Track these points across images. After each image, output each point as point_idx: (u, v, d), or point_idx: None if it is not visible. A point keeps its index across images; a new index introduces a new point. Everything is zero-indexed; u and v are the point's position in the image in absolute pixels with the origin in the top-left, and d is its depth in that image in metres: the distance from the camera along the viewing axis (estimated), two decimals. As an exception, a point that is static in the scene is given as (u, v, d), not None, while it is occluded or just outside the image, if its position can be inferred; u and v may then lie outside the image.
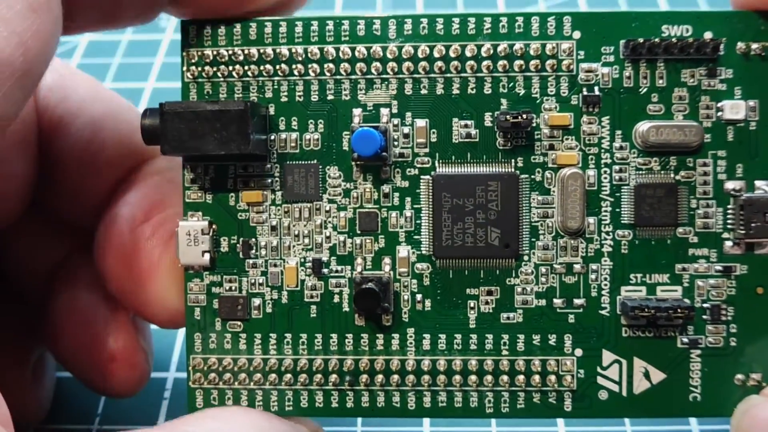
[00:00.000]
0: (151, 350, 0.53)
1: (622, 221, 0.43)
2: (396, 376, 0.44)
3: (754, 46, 0.42)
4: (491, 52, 0.43)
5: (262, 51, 0.44)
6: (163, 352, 0.60)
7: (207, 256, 0.44)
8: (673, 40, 0.42)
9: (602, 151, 0.43)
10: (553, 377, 0.43)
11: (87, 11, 0.41)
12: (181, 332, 0.61)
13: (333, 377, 0.44)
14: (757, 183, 0.43)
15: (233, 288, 0.45)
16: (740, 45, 0.42)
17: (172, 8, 0.44)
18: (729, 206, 0.43)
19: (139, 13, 0.43)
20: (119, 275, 0.47)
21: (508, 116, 0.42)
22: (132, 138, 0.49)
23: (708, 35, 0.42)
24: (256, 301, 0.44)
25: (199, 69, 0.44)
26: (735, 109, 0.43)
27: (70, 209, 0.51)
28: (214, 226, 0.44)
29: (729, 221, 0.43)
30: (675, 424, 0.53)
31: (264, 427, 0.41)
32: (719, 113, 0.43)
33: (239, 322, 0.45)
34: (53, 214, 0.51)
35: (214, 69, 0.44)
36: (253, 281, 0.44)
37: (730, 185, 0.43)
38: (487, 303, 0.44)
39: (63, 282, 0.51)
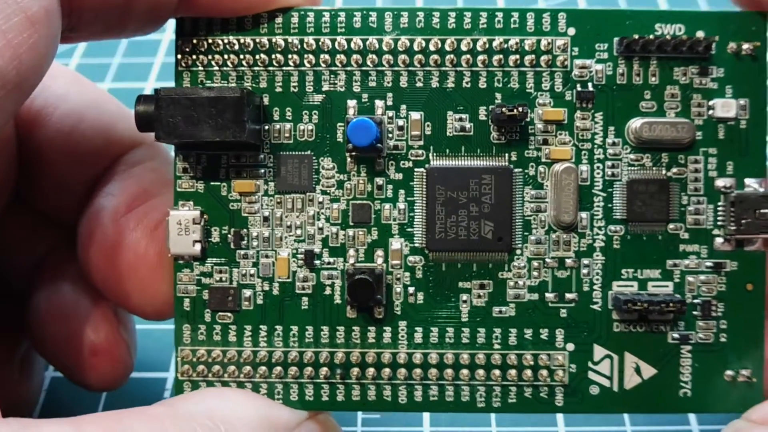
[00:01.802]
0: (134, 344, 0.52)
1: (614, 216, 0.43)
2: (387, 370, 0.44)
3: (745, 46, 0.43)
4: (487, 46, 0.43)
5: (257, 40, 0.44)
6: (163, 352, 0.59)
7: (198, 246, 0.44)
8: (667, 37, 0.42)
9: (595, 146, 0.43)
10: (544, 372, 0.43)
11: (91, 23, 0.41)
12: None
13: (324, 370, 0.44)
14: (747, 181, 0.43)
15: (224, 279, 0.44)
16: (731, 45, 0.43)
17: (179, 14, 0.44)
18: (719, 203, 0.43)
19: (145, 24, 0.43)
20: (103, 268, 0.46)
21: (504, 109, 0.42)
22: (113, 128, 0.49)
23: (700, 34, 0.43)
24: (247, 293, 0.44)
25: (193, 57, 0.44)
26: (726, 107, 0.43)
27: (53, 202, 0.50)
28: (205, 216, 0.44)
29: (719, 218, 0.43)
30: (675, 424, 0.53)
31: (265, 410, 0.41)
32: (710, 111, 0.43)
33: (229, 314, 0.44)
34: (36, 207, 0.51)
35: (209, 57, 0.44)
36: (244, 272, 0.44)
37: (720, 182, 0.43)
38: (479, 296, 0.44)
39: (46, 275, 0.50)
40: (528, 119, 0.43)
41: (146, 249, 0.45)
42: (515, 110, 0.42)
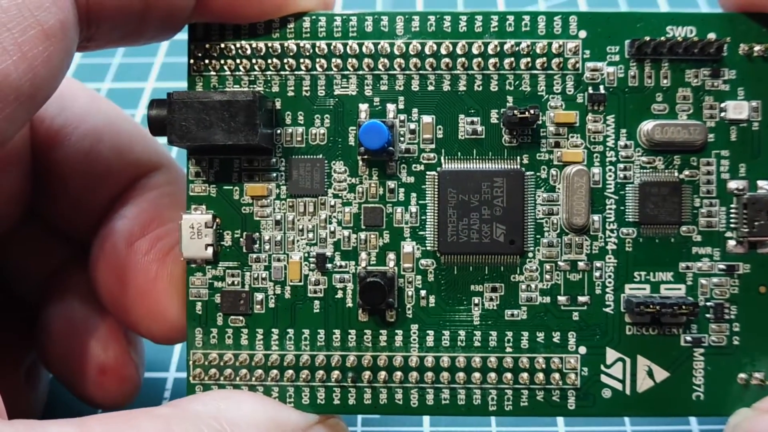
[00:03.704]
0: (143, 362, 0.52)
1: (627, 219, 0.43)
2: (399, 373, 0.44)
3: (757, 47, 0.43)
4: (498, 49, 0.43)
5: (270, 45, 0.44)
6: (163, 352, 0.59)
7: (210, 249, 0.44)
8: (679, 39, 0.42)
9: (607, 149, 0.43)
10: (556, 375, 0.43)
11: (108, 33, 0.41)
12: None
13: (335, 374, 0.44)
14: (760, 183, 0.43)
15: (236, 282, 0.44)
16: (743, 46, 0.43)
17: (193, 20, 0.44)
18: (732, 205, 0.43)
19: (161, 31, 0.43)
20: (114, 290, 0.46)
21: (515, 111, 0.42)
22: (131, 149, 0.49)
23: (712, 36, 0.43)
24: (259, 296, 0.44)
25: (206, 62, 0.44)
26: (738, 109, 0.43)
27: (68, 220, 0.50)
28: (217, 220, 0.44)
29: (732, 220, 0.43)
30: (675, 424, 0.53)
31: (273, 413, 0.41)
32: (722, 113, 0.43)
33: (241, 317, 0.44)
34: (50, 222, 0.51)
35: (221, 62, 0.44)
36: (256, 276, 0.44)
37: (732, 185, 0.43)
38: (491, 300, 0.44)
39: (57, 291, 0.50)
40: (540, 122, 0.43)
41: (157, 273, 0.45)
42: (527, 113, 0.42)
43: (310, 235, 0.44)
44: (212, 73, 0.44)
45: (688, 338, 0.43)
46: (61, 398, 0.56)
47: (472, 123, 0.44)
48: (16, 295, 0.53)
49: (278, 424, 0.41)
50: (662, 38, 0.43)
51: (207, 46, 0.44)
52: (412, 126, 0.44)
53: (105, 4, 0.39)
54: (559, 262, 0.44)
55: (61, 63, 0.37)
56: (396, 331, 0.44)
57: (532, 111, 0.42)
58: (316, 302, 0.44)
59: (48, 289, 0.51)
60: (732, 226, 0.43)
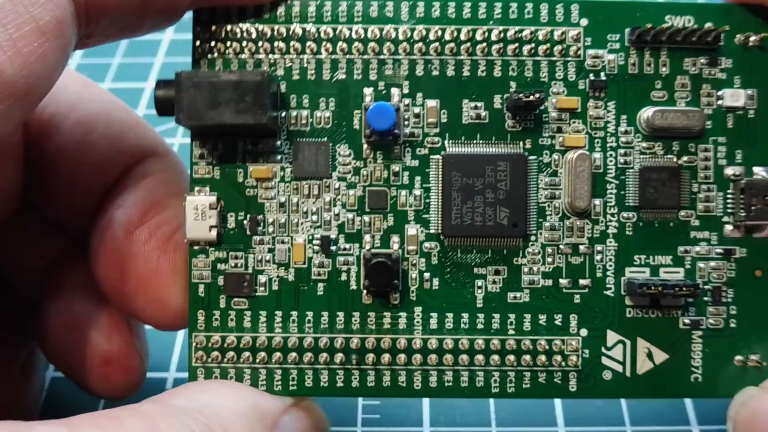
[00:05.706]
0: (147, 352, 0.52)
1: (627, 203, 0.44)
2: (402, 356, 0.44)
3: (753, 37, 0.44)
4: (502, 36, 0.44)
5: (275, 29, 0.44)
6: (163, 352, 0.59)
7: (214, 231, 0.44)
8: (679, 27, 0.44)
9: (608, 134, 0.44)
10: (558, 357, 0.44)
11: (107, 28, 0.41)
12: (181, 332, 0.60)
13: (339, 356, 0.44)
14: (755, 169, 0.44)
15: (239, 265, 0.44)
16: (739, 36, 0.44)
17: (195, 7, 0.44)
18: (729, 191, 0.44)
19: (161, 21, 0.43)
20: (115, 280, 0.46)
21: (521, 95, 0.42)
22: (124, 137, 0.49)
23: (709, 25, 0.44)
24: (262, 279, 0.44)
25: (211, 45, 0.44)
26: (734, 97, 0.44)
27: (63, 210, 0.50)
28: (221, 202, 0.44)
29: (729, 205, 0.44)
30: (676, 424, 0.54)
31: (253, 400, 0.41)
32: (719, 101, 0.44)
33: (244, 299, 0.44)
34: (45, 214, 0.50)
35: (226, 45, 0.44)
36: (259, 258, 0.44)
37: (729, 171, 0.44)
38: (494, 282, 0.44)
39: (56, 284, 0.50)
40: (542, 107, 0.44)
41: (158, 261, 0.45)
42: (532, 96, 0.42)
43: (314, 217, 0.44)
44: (217, 55, 0.44)
45: (687, 321, 0.44)
46: (60, 394, 0.56)
47: (476, 108, 0.44)
48: (13, 290, 0.52)
49: (259, 411, 0.41)
50: (662, 26, 0.44)
51: (213, 28, 0.44)
52: (417, 110, 0.44)
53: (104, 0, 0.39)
54: (561, 246, 0.44)
55: (57, 60, 0.37)
56: (400, 313, 0.44)
57: (537, 95, 0.42)
58: (320, 285, 0.44)
59: (47, 282, 0.50)
60: (729, 210, 0.44)
